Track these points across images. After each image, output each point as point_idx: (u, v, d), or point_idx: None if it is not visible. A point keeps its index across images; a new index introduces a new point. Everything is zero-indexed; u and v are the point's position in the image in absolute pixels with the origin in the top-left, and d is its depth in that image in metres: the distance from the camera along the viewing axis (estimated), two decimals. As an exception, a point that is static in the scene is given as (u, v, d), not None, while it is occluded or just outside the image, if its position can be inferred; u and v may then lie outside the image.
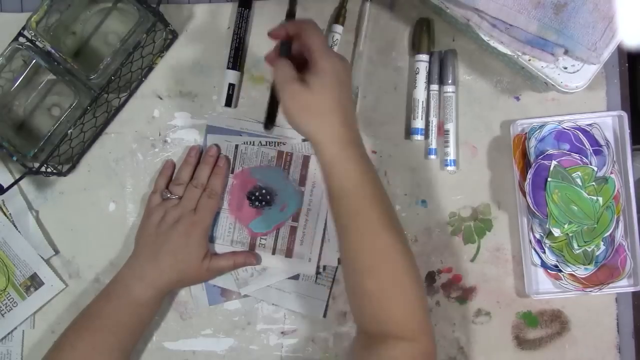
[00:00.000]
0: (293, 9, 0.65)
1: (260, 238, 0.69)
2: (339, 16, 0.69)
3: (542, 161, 0.65)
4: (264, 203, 0.68)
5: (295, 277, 0.69)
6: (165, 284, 0.65)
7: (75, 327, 0.64)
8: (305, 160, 0.68)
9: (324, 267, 0.69)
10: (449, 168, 0.69)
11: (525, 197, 0.65)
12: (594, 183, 0.64)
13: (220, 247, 0.69)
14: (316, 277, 0.69)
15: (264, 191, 0.68)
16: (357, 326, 0.59)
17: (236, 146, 0.70)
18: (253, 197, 0.68)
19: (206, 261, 0.66)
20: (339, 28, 0.69)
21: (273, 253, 0.69)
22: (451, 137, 0.68)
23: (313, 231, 0.68)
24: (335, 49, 0.69)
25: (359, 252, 0.55)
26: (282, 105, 0.55)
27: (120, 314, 0.64)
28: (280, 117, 0.70)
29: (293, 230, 0.68)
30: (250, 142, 0.70)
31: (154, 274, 0.64)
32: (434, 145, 0.69)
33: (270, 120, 0.69)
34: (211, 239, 0.69)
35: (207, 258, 0.66)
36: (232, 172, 0.69)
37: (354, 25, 0.70)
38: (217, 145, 0.70)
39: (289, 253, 0.68)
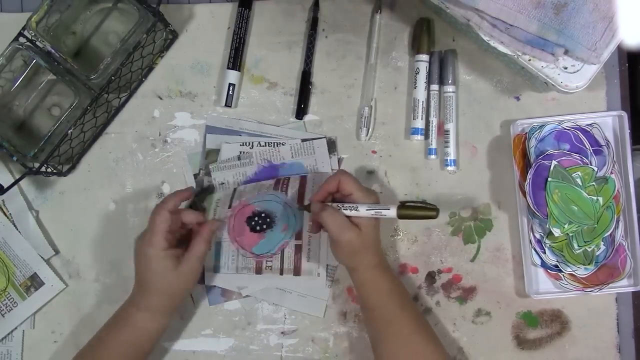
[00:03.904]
0: (315, 14, 0.69)
1: (266, 261, 0.67)
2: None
3: (542, 161, 0.65)
4: (264, 226, 0.66)
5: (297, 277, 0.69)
6: (161, 307, 0.64)
7: (81, 357, 0.64)
8: (302, 180, 0.68)
9: (325, 266, 0.68)
10: (449, 168, 0.69)
11: (525, 197, 0.65)
12: (594, 183, 0.64)
13: (226, 276, 0.68)
14: (317, 277, 0.69)
15: (263, 215, 0.66)
16: None
17: (234, 190, 0.69)
18: (253, 222, 0.66)
19: (180, 267, 0.62)
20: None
21: (281, 274, 0.67)
22: (451, 137, 0.68)
23: (318, 246, 0.67)
24: None
25: (393, 356, 0.61)
26: (336, 245, 0.61)
27: (124, 345, 0.63)
28: (278, 118, 0.70)
29: (298, 248, 0.67)
30: (249, 143, 0.70)
31: (148, 301, 0.63)
32: (434, 145, 0.69)
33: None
34: (216, 269, 0.68)
35: (180, 264, 0.62)
36: (230, 207, 0.68)
37: (360, 35, 0.70)
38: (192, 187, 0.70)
39: (297, 271, 0.67)
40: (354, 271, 0.63)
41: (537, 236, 0.66)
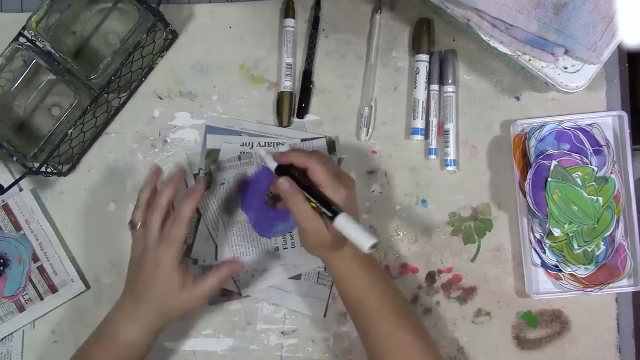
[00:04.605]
0: (317, 13, 0.69)
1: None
2: (288, 9, 0.70)
3: (542, 161, 0.65)
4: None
5: (297, 277, 0.69)
6: (151, 323, 0.59)
7: None
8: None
9: (325, 267, 0.69)
10: (449, 168, 0.69)
11: (526, 197, 0.65)
12: (594, 183, 0.64)
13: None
14: (317, 277, 0.69)
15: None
16: None
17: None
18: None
19: (186, 291, 0.58)
20: (290, 21, 0.70)
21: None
22: (451, 137, 0.68)
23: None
24: (290, 38, 0.69)
25: (382, 352, 0.58)
26: (302, 233, 0.57)
27: (109, 358, 0.59)
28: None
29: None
30: (249, 143, 0.70)
31: (138, 312, 0.59)
32: (434, 145, 0.69)
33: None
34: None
35: (186, 287, 0.58)
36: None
37: (360, 35, 0.70)
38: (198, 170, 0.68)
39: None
40: (328, 264, 0.60)
41: (537, 236, 0.66)
